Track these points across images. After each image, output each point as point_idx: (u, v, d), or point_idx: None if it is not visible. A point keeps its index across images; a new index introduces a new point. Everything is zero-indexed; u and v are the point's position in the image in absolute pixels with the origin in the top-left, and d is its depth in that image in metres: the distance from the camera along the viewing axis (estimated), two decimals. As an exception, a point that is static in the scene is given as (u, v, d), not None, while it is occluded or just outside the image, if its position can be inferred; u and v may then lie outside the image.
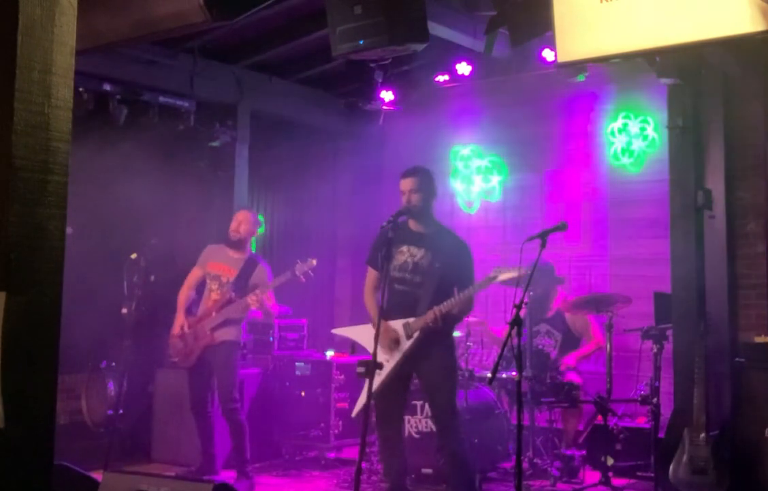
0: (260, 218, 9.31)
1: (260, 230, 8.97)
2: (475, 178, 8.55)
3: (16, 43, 2.31)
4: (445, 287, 5.05)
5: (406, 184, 5.18)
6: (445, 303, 4.99)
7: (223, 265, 6.45)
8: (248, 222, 6.51)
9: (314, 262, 6.31)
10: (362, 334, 5.31)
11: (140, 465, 6.86)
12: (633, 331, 6.37)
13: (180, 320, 6.39)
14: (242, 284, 6.30)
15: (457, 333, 5.84)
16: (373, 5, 5.00)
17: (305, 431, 7.01)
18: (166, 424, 7.11)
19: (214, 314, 6.29)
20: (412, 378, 5.25)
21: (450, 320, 5.13)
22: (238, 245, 6.46)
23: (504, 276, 5.05)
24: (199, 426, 6.43)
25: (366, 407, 4.31)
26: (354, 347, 5.46)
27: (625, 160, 7.59)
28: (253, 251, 6.67)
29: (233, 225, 6.49)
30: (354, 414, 5.28)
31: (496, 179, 8.45)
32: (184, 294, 6.52)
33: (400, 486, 5.15)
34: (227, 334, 6.29)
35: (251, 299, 6.17)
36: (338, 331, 5.88)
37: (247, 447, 6.27)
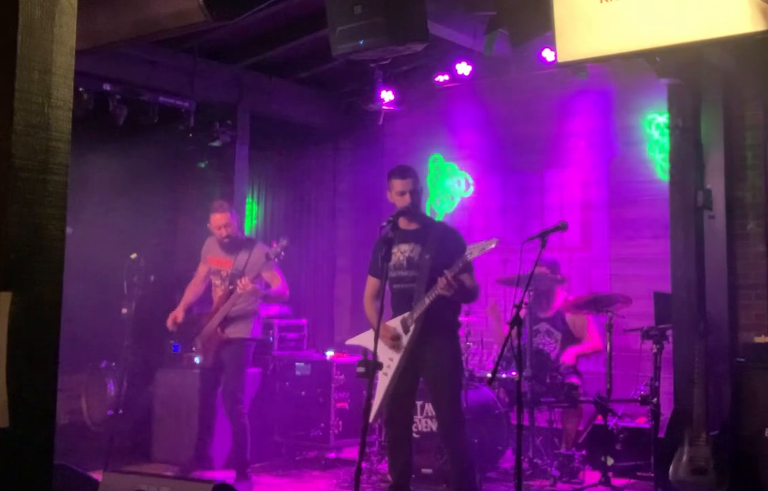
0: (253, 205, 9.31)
1: (252, 212, 8.97)
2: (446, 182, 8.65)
3: (16, 43, 2.30)
4: (438, 276, 5.02)
5: (406, 184, 5.18)
6: (452, 267, 4.92)
7: (221, 258, 6.45)
8: (229, 222, 6.39)
9: (285, 242, 6.23)
10: (369, 340, 5.31)
11: (140, 465, 6.86)
12: (633, 331, 6.37)
13: (175, 312, 6.43)
14: (240, 272, 6.28)
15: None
16: (373, 5, 5.00)
17: (305, 431, 7.01)
18: (166, 424, 7.11)
19: (219, 309, 6.30)
20: (419, 378, 5.25)
21: (446, 303, 5.10)
22: (230, 243, 6.42)
23: (477, 252, 4.99)
24: (202, 418, 6.47)
25: (366, 406, 4.31)
26: (366, 354, 5.44)
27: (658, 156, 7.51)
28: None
29: (218, 232, 6.39)
30: (372, 419, 5.24)
31: (463, 181, 8.53)
32: (190, 289, 6.56)
33: (403, 484, 5.16)
34: (237, 331, 6.31)
35: (240, 284, 6.14)
36: (351, 341, 5.84)
37: (248, 449, 6.28)
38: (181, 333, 6.62)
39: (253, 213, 9.44)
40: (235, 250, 6.39)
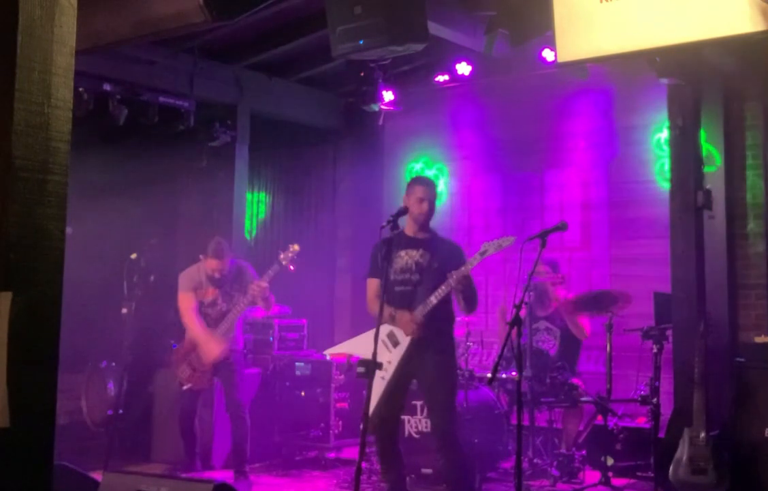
0: (262, 203, 9.29)
1: (251, 212, 8.94)
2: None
3: (16, 43, 2.30)
4: (442, 284, 5.04)
5: (427, 192, 5.20)
6: (462, 268, 4.96)
7: (209, 289, 6.42)
8: (226, 264, 6.34)
9: (296, 247, 6.27)
10: (357, 346, 5.30)
11: (140, 465, 6.86)
12: (633, 331, 6.37)
13: (213, 342, 6.33)
14: (229, 291, 6.33)
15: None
16: (373, 5, 5.00)
17: (305, 431, 7.01)
18: (166, 424, 7.11)
19: (216, 330, 6.31)
20: (410, 381, 5.25)
21: (445, 310, 5.13)
22: (220, 278, 6.39)
23: (493, 249, 5.03)
24: (183, 427, 6.51)
25: (366, 407, 4.31)
26: (349, 359, 5.45)
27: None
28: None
29: (211, 274, 6.31)
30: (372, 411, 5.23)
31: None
32: (196, 316, 6.41)
33: (399, 486, 5.15)
34: (228, 347, 6.34)
35: (253, 290, 6.15)
36: (333, 350, 5.85)
37: (247, 447, 6.30)
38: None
39: (252, 213, 9.43)
40: (221, 275, 6.37)
